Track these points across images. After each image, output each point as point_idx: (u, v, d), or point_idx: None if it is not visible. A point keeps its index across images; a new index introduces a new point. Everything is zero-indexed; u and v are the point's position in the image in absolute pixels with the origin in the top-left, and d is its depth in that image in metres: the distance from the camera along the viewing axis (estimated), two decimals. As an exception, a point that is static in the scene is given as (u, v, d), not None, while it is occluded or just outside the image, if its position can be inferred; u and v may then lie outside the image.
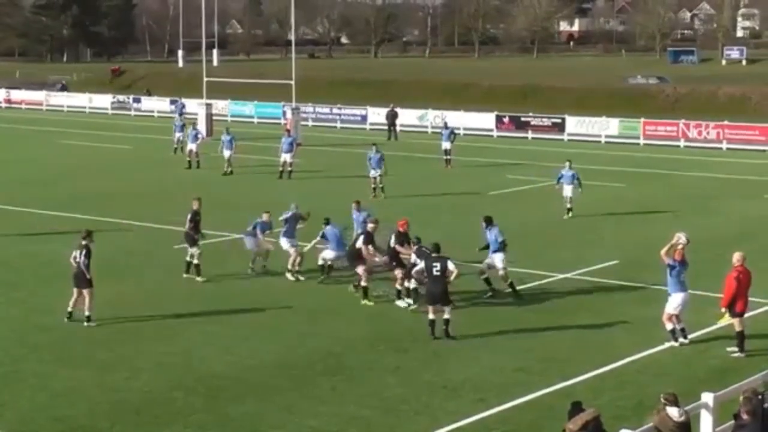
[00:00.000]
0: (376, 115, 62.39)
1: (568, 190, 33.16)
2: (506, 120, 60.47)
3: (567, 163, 33.84)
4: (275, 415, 16.71)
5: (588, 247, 29.23)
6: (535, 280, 25.07)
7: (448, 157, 45.39)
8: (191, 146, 44.93)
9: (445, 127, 47.64)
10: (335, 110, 65.88)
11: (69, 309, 21.18)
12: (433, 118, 61.48)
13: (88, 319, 21.03)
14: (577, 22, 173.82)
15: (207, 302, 23.02)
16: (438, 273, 20.51)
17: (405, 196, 37.51)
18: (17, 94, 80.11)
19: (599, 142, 56.35)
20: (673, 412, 12.70)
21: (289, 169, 41.72)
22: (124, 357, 19.35)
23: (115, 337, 20.53)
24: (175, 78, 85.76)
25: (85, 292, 21.03)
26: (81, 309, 21.09)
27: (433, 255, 21.00)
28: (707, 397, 14.04)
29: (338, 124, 64.31)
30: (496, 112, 61.13)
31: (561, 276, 25.59)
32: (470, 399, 17.31)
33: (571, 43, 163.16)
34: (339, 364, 19.06)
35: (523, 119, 60.21)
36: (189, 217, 24.87)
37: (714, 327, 20.74)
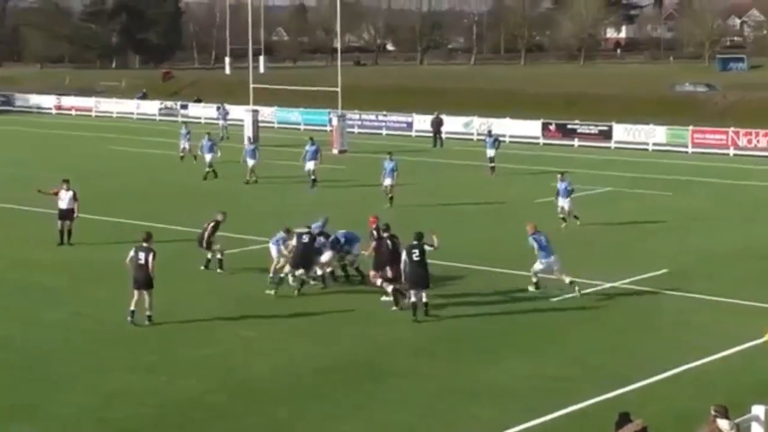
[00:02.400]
0: (422, 122, 62.34)
1: (563, 202, 32.60)
2: (552, 128, 60.18)
3: (559, 176, 33.23)
4: (314, 419, 16.75)
5: (635, 255, 28.99)
6: (582, 289, 24.85)
7: (493, 164, 45.26)
8: (207, 156, 43.49)
9: (489, 134, 47.51)
10: (381, 117, 65.92)
11: (131, 308, 21.45)
12: (478, 125, 61.33)
13: (150, 318, 21.44)
14: (624, 29, 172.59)
15: (243, 307, 23.11)
16: (418, 258, 21.69)
17: (449, 203, 37.46)
18: (68, 101, 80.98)
19: (646, 150, 55.90)
20: (724, 424, 12.55)
21: (313, 177, 41.02)
22: (168, 360, 19.50)
23: (158, 340, 20.70)
24: (222, 85, 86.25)
25: (147, 293, 21.41)
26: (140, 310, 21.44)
27: (414, 242, 22.01)
28: (758, 410, 13.85)
29: (384, 132, 64.34)
30: (542, 120, 60.86)
31: (608, 284, 25.39)
32: (512, 407, 17.20)
33: (618, 50, 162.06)
34: (376, 369, 19.06)
35: (569, 127, 59.89)
36: (212, 224, 25.81)
37: (761, 340, 20.48)
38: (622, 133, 58.02)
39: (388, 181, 36.77)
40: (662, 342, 20.98)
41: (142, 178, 44.18)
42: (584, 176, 45.20)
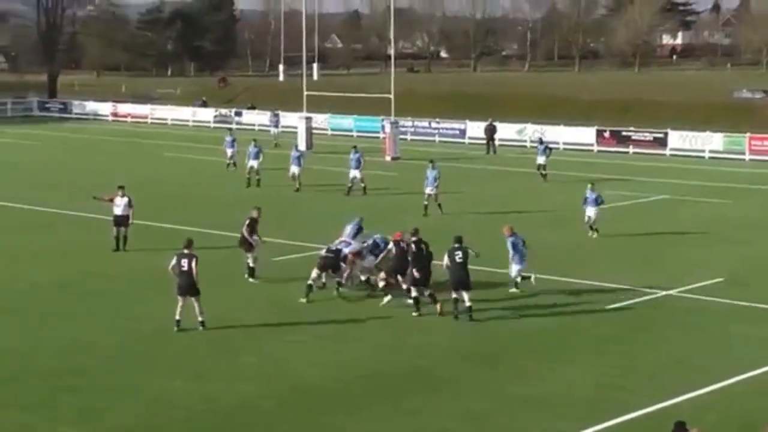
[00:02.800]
0: (475, 129, 62.18)
1: (591, 212, 32.19)
2: (607, 134, 59.73)
3: (590, 185, 32.83)
4: (364, 426, 16.73)
5: (691, 263, 28.66)
6: (637, 297, 24.67)
7: (545, 171, 44.96)
8: (252, 163, 43.17)
9: (540, 142, 47.27)
10: (434, 124, 65.85)
11: (177, 317, 21.55)
12: (531, 132, 61.04)
13: (203, 324, 21.56)
14: (680, 35, 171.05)
15: (291, 313, 23.14)
16: (461, 260, 22.45)
17: (500, 212, 37.28)
18: (124, 108, 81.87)
19: (702, 157, 55.30)
20: (781, 435, 12.35)
21: (362, 185, 40.84)
22: (217, 366, 19.59)
23: (207, 346, 20.79)
24: (276, 92, 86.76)
25: (195, 299, 21.51)
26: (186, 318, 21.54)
27: (456, 245, 22.70)
28: (816, 421, 13.62)
29: (437, 138, 64.26)
30: (596, 127, 60.43)
31: (663, 293, 25.14)
32: (563, 416, 17.06)
33: (674, 56, 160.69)
34: (426, 376, 19.00)
35: (624, 134, 59.40)
36: (247, 222, 25.75)
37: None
38: (678, 140, 57.44)
39: (429, 190, 36.40)
40: (718, 351, 20.72)
41: (194, 185, 44.45)
42: (639, 183, 44.88)
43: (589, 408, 17.40)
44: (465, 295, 22.53)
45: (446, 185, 41.62)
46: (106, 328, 22.02)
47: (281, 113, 67.85)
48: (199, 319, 21.60)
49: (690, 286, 25.67)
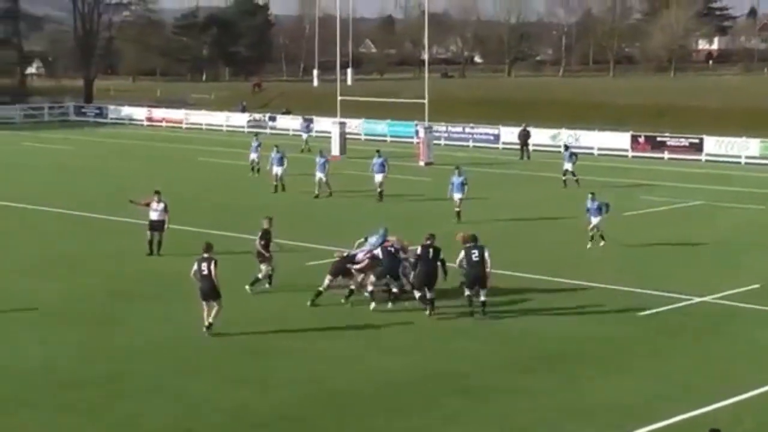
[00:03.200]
0: (509, 134, 62.04)
1: (595, 221, 30.88)
2: (642, 140, 59.42)
3: (590, 195, 31.58)
4: (405, 433, 16.72)
5: (727, 270, 28.45)
6: (672, 303, 24.51)
7: (575, 177, 44.33)
8: (277, 169, 42.86)
9: (566, 148, 46.80)
10: (468, 129, 65.76)
11: (209, 321, 21.59)
12: (566, 137, 60.86)
13: (209, 327, 21.51)
14: (716, 40, 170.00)
15: (326, 319, 23.13)
16: (477, 259, 22.84)
17: (533, 218, 37.18)
18: (158, 113, 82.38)
19: (739, 163, 54.88)
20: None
21: (379, 189, 40.43)
22: (254, 372, 19.62)
23: (244, 352, 20.83)
24: (310, 97, 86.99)
25: (216, 302, 21.55)
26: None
27: (471, 244, 23.23)
28: None
29: (471, 143, 64.17)
30: (631, 132, 60.14)
31: (698, 299, 24.96)
32: (604, 424, 16.98)
33: (710, 61, 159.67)
34: (467, 384, 18.93)
35: (659, 139, 59.06)
36: (259, 234, 25.25)
37: None
38: (714, 145, 57.03)
39: (457, 196, 35.80)
40: (754, 358, 20.55)
41: (226, 189, 44.60)
42: (674, 189, 44.61)
43: (624, 416, 17.30)
44: (482, 292, 22.99)
45: (479, 190, 41.60)
46: (139, 332, 22.13)
47: (315, 118, 68.04)
48: (210, 320, 21.52)
49: (725, 293, 25.47)
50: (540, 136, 60.92)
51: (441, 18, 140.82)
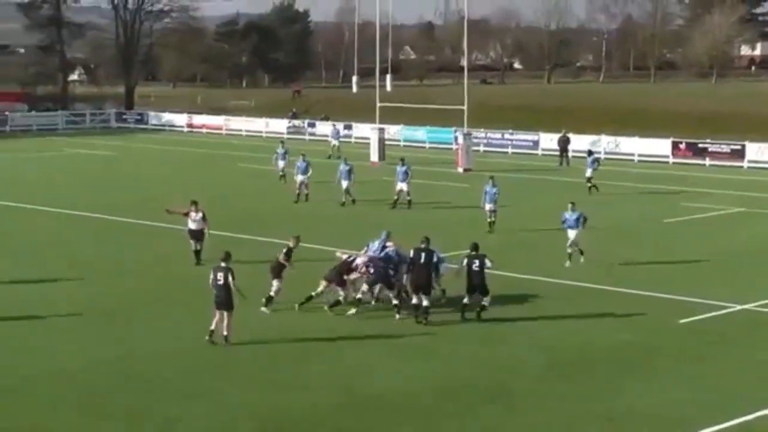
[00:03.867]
0: (548, 140, 61.81)
1: (572, 234, 29.19)
2: (683, 146, 58.96)
3: (570, 205, 29.65)
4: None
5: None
6: (712, 311, 24.27)
7: (590, 184, 43.85)
8: (302, 178, 41.63)
9: (589, 153, 46.06)
10: (507, 136, 65.59)
11: (211, 327, 21.39)
12: (606, 143, 60.53)
13: (226, 339, 21.28)
14: (759, 45, 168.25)
15: (362, 324, 23.11)
16: (477, 269, 23.18)
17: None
18: (199, 119, 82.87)
19: (781, 169, 54.36)
20: None
21: (408, 198, 39.49)
22: (290, 377, 19.63)
23: (279, 357, 20.84)
24: (349, 103, 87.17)
25: (228, 314, 21.31)
26: (220, 330, 21.38)
27: (472, 253, 23.48)
28: None
29: (510, 150, 63.98)
30: (672, 139, 59.71)
31: (739, 307, 24.70)
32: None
33: (753, 67, 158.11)
34: (504, 391, 18.82)
35: (700, 146, 58.58)
36: (284, 251, 24.35)
37: None
38: (756, 152, 56.48)
39: (489, 207, 34.63)
40: (796, 367, 20.30)
41: (265, 195, 44.68)
42: (715, 196, 44.22)
43: (662, 424, 17.16)
44: (485, 299, 23.35)
45: (518, 197, 41.50)
46: (181, 337, 22.22)
47: (354, 124, 68.15)
48: (224, 333, 21.26)
49: (767, 301, 25.19)
50: (580, 143, 60.59)
51: (480, 24, 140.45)
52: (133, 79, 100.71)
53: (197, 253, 29.20)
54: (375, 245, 24.75)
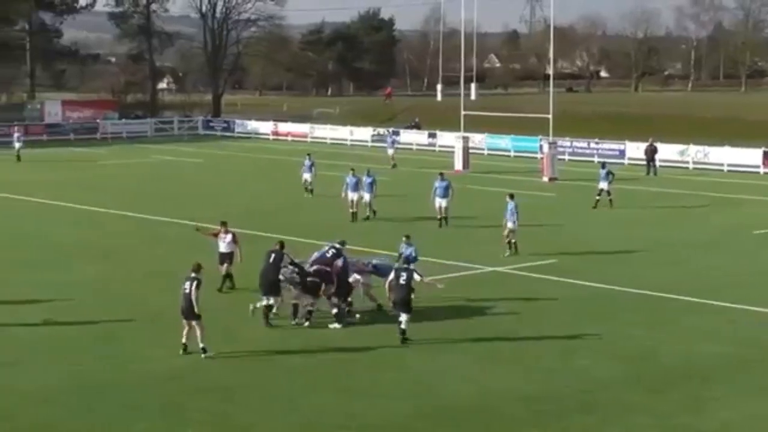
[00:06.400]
0: (635, 150, 60.93)
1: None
2: (774, 156, 57.66)
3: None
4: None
5: None
6: None
7: (606, 196, 42.01)
8: (353, 195, 38.65)
9: (603, 166, 44.17)
10: (593, 145, 64.87)
11: (183, 340, 21.15)
12: (694, 153, 59.49)
13: (204, 351, 20.94)
14: None
15: (437, 330, 22.87)
16: (403, 282, 22.08)
17: (663, 235, 36.36)
18: (284, 127, 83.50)
19: None
20: None
21: (444, 215, 36.83)
22: (364, 384, 19.53)
23: (353, 365, 20.73)
24: (434, 111, 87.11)
25: (197, 324, 20.98)
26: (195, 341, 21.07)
27: (403, 266, 22.90)
28: None
29: (595, 159, 63.12)
30: (763, 148, 58.41)
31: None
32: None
33: None
34: (590, 402, 18.47)
35: (792, 156, 57.24)
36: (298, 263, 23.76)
37: None
38: None
39: (510, 225, 31.44)
40: None
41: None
42: (808, 207, 43.17)
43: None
44: (403, 317, 21.95)
45: (606, 206, 40.91)
46: (255, 342, 22.20)
47: (438, 132, 67.91)
48: (201, 345, 20.90)
49: None
50: (667, 152, 59.66)
51: (566, 32, 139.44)
52: (221, 87, 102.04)
53: (227, 277, 26.81)
54: (318, 254, 24.19)
